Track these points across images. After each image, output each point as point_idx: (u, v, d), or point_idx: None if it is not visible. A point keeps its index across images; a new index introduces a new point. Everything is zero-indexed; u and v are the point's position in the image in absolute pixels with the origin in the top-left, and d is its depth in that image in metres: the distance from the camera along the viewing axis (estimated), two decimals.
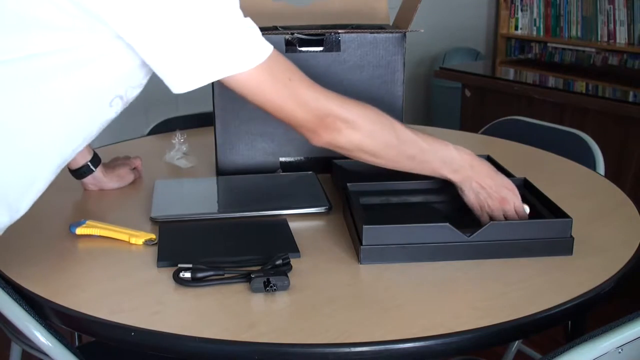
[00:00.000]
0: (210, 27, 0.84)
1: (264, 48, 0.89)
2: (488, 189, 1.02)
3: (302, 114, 0.93)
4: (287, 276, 0.89)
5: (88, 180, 1.24)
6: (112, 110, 0.92)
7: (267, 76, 0.89)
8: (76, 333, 1.31)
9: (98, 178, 1.25)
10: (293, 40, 1.28)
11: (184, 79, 0.86)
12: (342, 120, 0.94)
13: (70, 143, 0.92)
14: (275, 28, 1.37)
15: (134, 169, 1.31)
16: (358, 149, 0.97)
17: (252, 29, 0.89)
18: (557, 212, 1.01)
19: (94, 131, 0.94)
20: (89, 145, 1.23)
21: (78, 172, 1.23)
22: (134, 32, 0.83)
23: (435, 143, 1.02)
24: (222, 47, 0.85)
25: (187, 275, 0.90)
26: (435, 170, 1.03)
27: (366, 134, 0.96)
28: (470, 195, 1.04)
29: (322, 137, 0.95)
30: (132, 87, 0.92)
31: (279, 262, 0.92)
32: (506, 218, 1.03)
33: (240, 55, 0.87)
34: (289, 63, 0.92)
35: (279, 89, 0.91)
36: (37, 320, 0.86)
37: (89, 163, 1.23)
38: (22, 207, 0.92)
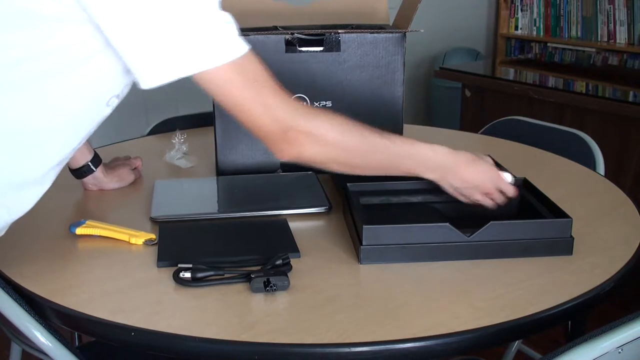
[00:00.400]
0: (183, 19, 0.82)
1: (238, 46, 0.86)
2: (467, 183, 1.03)
3: (267, 123, 0.90)
4: (287, 276, 0.89)
5: (88, 180, 1.24)
6: (109, 109, 0.93)
7: (236, 75, 0.87)
8: (76, 333, 1.31)
9: (98, 178, 1.25)
10: (293, 40, 1.28)
11: (154, 72, 0.83)
12: (305, 134, 0.91)
13: (70, 142, 0.92)
14: (275, 28, 1.37)
15: (135, 169, 1.31)
16: (328, 161, 0.96)
17: (228, 24, 0.86)
18: (557, 212, 1.01)
19: (91, 130, 0.94)
20: (90, 145, 1.24)
21: (78, 172, 1.23)
22: (107, 21, 0.81)
23: (407, 145, 1.00)
24: (193, 42, 0.83)
25: (187, 275, 0.90)
26: (410, 172, 1.01)
27: (333, 147, 0.94)
28: (448, 189, 1.04)
29: (285, 151, 0.92)
30: (127, 84, 0.92)
31: (279, 262, 0.92)
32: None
33: (212, 51, 0.84)
34: (262, 68, 0.89)
35: (247, 90, 0.88)
36: (37, 320, 0.86)
37: (89, 163, 1.23)
38: (24, 206, 0.92)
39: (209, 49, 0.84)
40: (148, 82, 0.84)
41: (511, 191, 1.05)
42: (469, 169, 1.03)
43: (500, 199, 1.04)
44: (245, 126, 0.91)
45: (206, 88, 0.87)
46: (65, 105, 0.87)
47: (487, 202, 1.04)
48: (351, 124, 0.95)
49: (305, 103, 1.27)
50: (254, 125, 0.90)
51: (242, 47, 0.87)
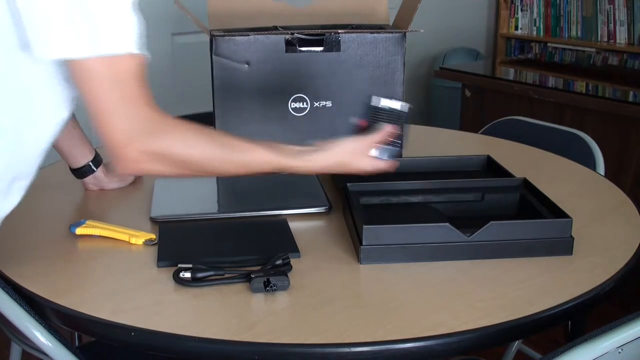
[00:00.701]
0: (83, 3, 0.80)
1: (122, 44, 0.83)
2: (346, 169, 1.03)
3: (114, 130, 0.85)
4: (287, 276, 0.89)
5: (89, 179, 1.24)
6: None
7: (104, 71, 0.83)
8: (76, 333, 1.31)
9: (99, 178, 1.25)
10: (293, 40, 1.28)
11: (45, 45, 0.81)
12: (150, 153, 0.86)
13: (48, 136, 0.91)
14: (275, 28, 1.37)
15: None
16: (172, 175, 0.91)
17: (124, 21, 0.84)
18: (557, 212, 1.01)
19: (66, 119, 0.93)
20: (91, 145, 1.24)
21: (79, 172, 1.23)
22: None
23: (269, 162, 0.96)
24: (78, 24, 0.80)
25: (187, 275, 0.90)
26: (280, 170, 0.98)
27: (178, 166, 0.89)
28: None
29: (124, 165, 0.87)
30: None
31: (279, 262, 0.92)
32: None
33: (90, 38, 0.81)
34: (139, 78, 0.85)
35: (109, 92, 0.84)
36: (37, 320, 0.86)
37: (90, 163, 1.23)
38: (8, 201, 0.91)
39: (91, 36, 0.81)
40: (41, 53, 0.82)
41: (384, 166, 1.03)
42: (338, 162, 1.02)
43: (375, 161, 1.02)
44: (95, 129, 0.86)
45: (74, 74, 0.84)
46: (35, 97, 0.87)
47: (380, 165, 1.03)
48: (207, 140, 0.92)
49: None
50: (101, 131, 0.85)
51: (126, 46, 0.83)
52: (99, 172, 1.24)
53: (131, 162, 0.86)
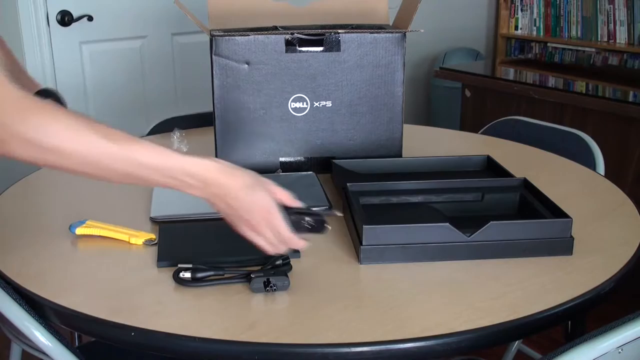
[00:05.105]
0: None
1: None
2: (237, 210, 0.86)
3: None
4: (287, 276, 0.89)
5: None
6: None
7: None
8: (76, 333, 1.31)
9: None
10: (293, 40, 1.28)
11: None
12: (14, 134, 0.77)
13: None
14: (275, 28, 1.37)
15: None
16: (44, 164, 0.81)
17: None
18: (557, 212, 1.01)
19: None
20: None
21: None
22: None
23: (159, 155, 0.83)
24: None
25: (187, 275, 0.90)
26: (162, 185, 0.86)
27: (48, 151, 0.79)
28: (221, 211, 0.88)
29: None
30: None
31: (279, 262, 0.92)
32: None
33: None
34: None
35: None
36: (37, 320, 0.86)
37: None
38: None
39: None
40: None
41: (285, 234, 0.86)
42: (240, 193, 0.86)
43: (276, 242, 0.86)
44: None
45: None
46: None
47: (259, 242, 0.87)
48: (85, 126, 0.80)
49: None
50: None
51: None
52: None
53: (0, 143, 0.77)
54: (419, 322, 0.81)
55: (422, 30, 1.29)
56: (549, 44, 3.31)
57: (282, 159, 1.34)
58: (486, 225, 0.96)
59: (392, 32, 1.30)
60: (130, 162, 0.82)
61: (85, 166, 0.81)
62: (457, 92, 2.80)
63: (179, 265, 0.92)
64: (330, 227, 0.89)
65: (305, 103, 1.31)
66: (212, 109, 1.31)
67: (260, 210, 0.86)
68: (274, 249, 0.88)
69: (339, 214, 0.92)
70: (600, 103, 2.21)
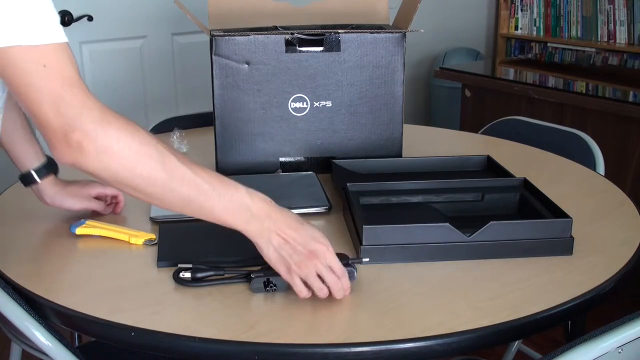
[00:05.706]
0: None
1: (46, 32, 0.77)
2: (292, 241, 0.85)
3: (50, 116, 0.77)
4: None
5: (37, 191, 1.09)
6: None
7: (31, 58, 0.76)
8: (76, 333, 1.31)
9: (44, 191, 1.08)
10: (293, 40, 1.28)
11: None
12: (92, 140, 0.77)
13: None
14: (275, 28, 1.37)
15: (110, 204, 1.14)
16: (114, 181, 0.81)
17: (43, 9, 0.77)
18: (557, 212, 1.01)
19: None
20: (41, 150, 1.09)
21: (23, 179, 1.09)
22: None
23: (221, 185, 0.85)
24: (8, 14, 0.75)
25: (187, 275, 0.90)
26: (219, 219, 0.86)
27: (123, 166, 0.79)
28: (271, 253, 0.85)
29: (63, 154, 0.78)
30: None
31: None
32: (322, 281, 0.85)
33: (16, 28, 0.75)
34: (70, 62, 0.80)
35: (37, 77, 0.77)
36: (37, 320, 0.86)
37: (32, 171, 1.07)
38: None
39: (16, 25, 0.76)
40: None
41: (339, 271, 0.85)
42: (295, 227, 0.86)
43: (326, 274, 0.84)
44: (30, 116, 0.79)
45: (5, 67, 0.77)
46: None
47: (311, 276, 0.84)
48: (152, 144, 0.81)
49: (300, 99, 1.25)
50: (36, 117, 0.78)
51: (53, 35, 0.78)
52: (46, 184, 1.08)
53: (75, 150, 0.77)
54: (419, 322, 0.81)
55: (422, 30, 1.29)
56: (549, 44, 3.31)
57: (282, 159, 1.34)
58: (486, 225, 0.96)
59: (392, 32, 1.30)
60: (197, 187, 0.83)
61: (152, 185, 0.81)
62: (457, 92, 2.80)
63: (179, 265, 0.92)
64: (357, 277, 0.89)
65: (305, 103, 1.31)
66: (212, 109, 1.31)
67: (316, 242, 0.85)
68: (321, 292, 0.84)
69: (365, 259, 0.92)
70: (600, 103, 2.21)
